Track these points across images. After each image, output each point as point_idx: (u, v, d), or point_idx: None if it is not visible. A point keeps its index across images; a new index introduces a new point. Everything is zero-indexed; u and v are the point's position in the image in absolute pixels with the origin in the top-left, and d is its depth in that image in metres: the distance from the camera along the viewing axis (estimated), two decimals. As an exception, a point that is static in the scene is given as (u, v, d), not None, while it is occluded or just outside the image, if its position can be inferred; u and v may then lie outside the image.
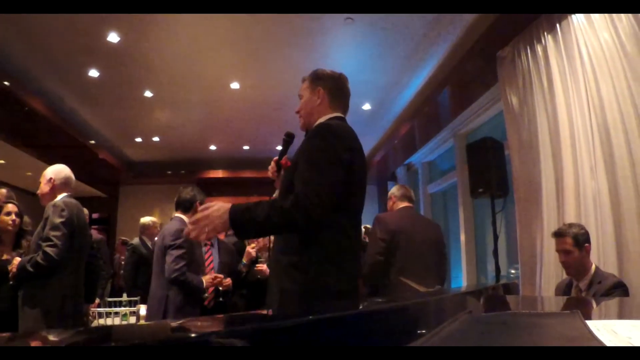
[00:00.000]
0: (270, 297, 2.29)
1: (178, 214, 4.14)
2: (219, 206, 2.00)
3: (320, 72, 2.49)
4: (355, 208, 2.30)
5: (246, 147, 11.33)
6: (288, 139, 2.55)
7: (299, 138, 2.51)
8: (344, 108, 2.48)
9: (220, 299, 4.20)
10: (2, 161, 9.74)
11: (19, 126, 8.43)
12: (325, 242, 2.13)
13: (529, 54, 4.88)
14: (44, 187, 3.68)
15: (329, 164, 2.11)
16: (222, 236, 4.68)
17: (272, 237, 3.24)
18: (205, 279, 3.99)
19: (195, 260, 4.09)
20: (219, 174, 12.65)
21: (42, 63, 6.85)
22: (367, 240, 5.35)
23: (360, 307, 1.40)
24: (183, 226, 3.97)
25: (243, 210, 1.99)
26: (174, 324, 0.88)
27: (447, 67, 6.75)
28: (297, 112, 2.50)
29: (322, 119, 2.37)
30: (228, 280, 4.23)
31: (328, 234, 2.14)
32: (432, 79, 7.26)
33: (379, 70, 7.15)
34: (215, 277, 4.11)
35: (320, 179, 2.06)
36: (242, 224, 1.99)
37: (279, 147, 2.59)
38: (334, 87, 2.45)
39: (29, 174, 10.31)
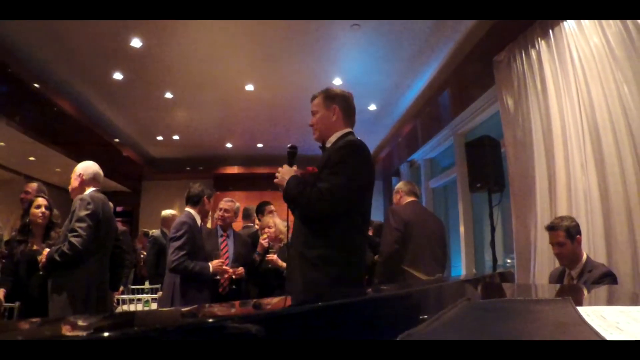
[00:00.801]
0: (291, 287, 2.50)
1: (188, 208, 4.15)
2: (289, 171, 2.54)
3: (332, 92, 2.68)
4: (366, 209, 2.55)
5: (260, 145, 11.33)
6: (293, 151, 2.72)
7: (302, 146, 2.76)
8: (353, 123, 2.70)
9: (234, 287, 4.21)
10: (32, 158, 9.80)
11: (49, 125, 8.51)
12: (345, 238, 2.41)
13: (524, 58, 4.85)
14: (73, 182, 3.69)
15: (349, 170, 2.37)
16: (238, 228, 4.68)
17: (284, 232, 3.61)
18: (213, 264, 3.98)
19: (203, 248, 4.11)
20: (234, 170, 12.65)
21: (70, 67, 6.89)
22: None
23: (366, 294, 1.40)
24: (186, 219, 4.00)
25: (292, 180, 2.46)
26: (186, 309, 0.89)
27: (448, 70, 6.73)
28: (311, 125, 2.68)
29: (337, 133, 2.60)
30: (241, 269, 4.24)
31: (347, 231, 2.40)
32: (434, 81, 7.24)
33: (383, 73, 7.14)
34: (223, 264, 4.10)
35: (337, 182, 2.33)
36: (285, 189, 2.47)
37: (288, 145, 2.73)
38: (346, 105, 2.66)
39: (58, 170, 10.39)
